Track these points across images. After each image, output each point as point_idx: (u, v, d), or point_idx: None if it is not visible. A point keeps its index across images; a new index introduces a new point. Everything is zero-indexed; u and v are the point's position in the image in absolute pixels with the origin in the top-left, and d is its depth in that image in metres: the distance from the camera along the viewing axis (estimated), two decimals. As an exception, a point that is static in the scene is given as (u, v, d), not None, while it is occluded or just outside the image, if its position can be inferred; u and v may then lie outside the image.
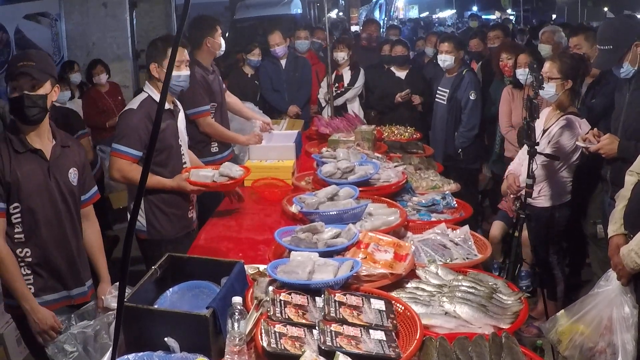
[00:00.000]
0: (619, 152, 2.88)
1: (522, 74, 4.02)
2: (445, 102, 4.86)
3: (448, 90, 4.83)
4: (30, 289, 2.36)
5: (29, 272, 2.38)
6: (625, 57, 2.90)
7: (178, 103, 3.10)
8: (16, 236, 2.34)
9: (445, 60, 4.77)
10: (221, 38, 3.91)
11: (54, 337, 2.30)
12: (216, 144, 3.92)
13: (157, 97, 2.86)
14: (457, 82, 4.77)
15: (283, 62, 5.48)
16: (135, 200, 1.30)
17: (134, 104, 2.91)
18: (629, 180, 2.48)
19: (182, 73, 2.92)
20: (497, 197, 4.52)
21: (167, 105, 2.91)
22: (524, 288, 3.79)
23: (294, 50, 5.89)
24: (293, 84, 5.51)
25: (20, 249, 2.35)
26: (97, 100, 5.89)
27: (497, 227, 3.99)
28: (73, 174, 2.46)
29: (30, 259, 2.37)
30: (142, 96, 2.93)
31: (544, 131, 3.36)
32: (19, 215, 2.32)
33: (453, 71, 4.84)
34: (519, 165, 3.46)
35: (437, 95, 5.00)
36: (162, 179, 2.92)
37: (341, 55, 5.53)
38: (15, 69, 2.26)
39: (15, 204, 2.30)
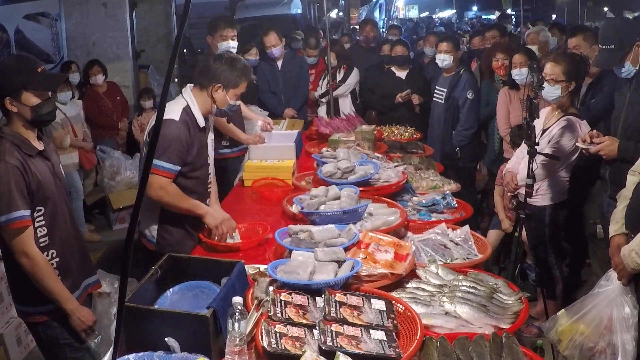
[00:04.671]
0: (619, 153, 2.88)
1: (519, 74, 4.02)
2: (442, 102, 4.90)
3: (445, 90, 4.87)
4: None
5: (57, 273, 2.39)
6: (626, 57, 2.90)
7: (211, 120, 2.95)
8: (41, 240, 2.35)
9: (444, 59, 4.80)
10: (223, 40, 4.05)
11: (94, 330, 2.42)
12: (227, 141, 4.05)
13: (196, 111, 2.71)
14: (455, 81, 4.81)
15: (279, 63, 5.47)
16: (135, 202, 1.30)
17: (175, 112, 2.65)
18: (631, 180, 2.48)
19: (237, 103, 2.86)
20: (492, 197, 4.54)
21: (202, 123, 2.76)
22: (532, 283, 3.79)
23: (290, 50, 5.90)
24: (289, 85, 5.50)
25: (46, 252, 2.36)
26: (96, 100, 5.90)
27: (493, 236, 3.95)
28: (62, 170, 2.56)
29: (57, 259, 2.40)
30: (181, 103, 2.71)
31: (543, 131, 3.36)
32: (42, 218, 2.34)
33: (451, 70, 4.88)
34: (516, 163, 3.46)
35: (434, 95, 5.04)
36: (198, 204, 2.75)
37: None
38: (38, 74, 2.29)
39: (39, 207, 2.32)
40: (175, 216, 2.77)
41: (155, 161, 2.57)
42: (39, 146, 2.37)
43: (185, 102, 2.71)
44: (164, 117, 2.56)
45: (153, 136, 1.33)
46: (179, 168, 2.67)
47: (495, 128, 4.64)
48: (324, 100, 5.65)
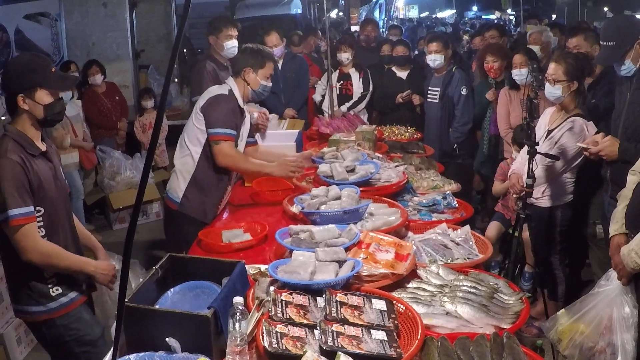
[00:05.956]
0: (620, 155, 2.87)
1: (519, 74, 4.02)
2: (437, 101, 4.94)
3: (439, 89, 4.91)
4: (57, 290, 2.40)
5: (51, 273, 2.38)
6: (627, 55, 2.91)
7: (246, 110, 3.32)
8: None
9: (435, 59, 4.84)
10: (228, 40, 4.19)
11: (117, 278, 2.45)
12: None
13: (237, 94, 3.15)
14: (448, 79, 4.85)
15: (279, 63, 5.46)
16: (136, 202, 1.30)
17: (223, 90, 3.13)
18: (631, 179, 2.48)
19: (268, 84, 3.25)
20: (489, 197, 4.55)
21: (242, 104, 3.19)
22: (524, 289, 3.81)
23: (291, 50, 5.88)
24: (289, 84, 5.48)
25: None
26: (95, 100, 5.89)
27: (493, 228, 3.99)
28: (63, 171, 2.55)
29: None
30: (226, 87, 3.16)
31: (549, 132, 3.36)
32: (41, 219, 2.33)
33: (442, 70, 4.91)
34: (521, 164, 3.45)
35: (428, 96, 5.07)
36: (264, 163, 3.26)
37: (345, 56, 5.47)
38: (53, 73, 2.30)
39: (39, 208, 2.31)
40: (203, 185, 3.13)
41: (216, 130, 3.03)
42: (42, 147, 2.36)
43: (229, 87, 3.16)
44: (216, 93, 3.10)
45: (153, 136, 1.32)
46: (235, 133, 3.10)
47: (486, 130, 4.66)
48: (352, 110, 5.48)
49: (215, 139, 3.04)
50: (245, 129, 3.31)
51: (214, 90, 3.15)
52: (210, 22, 4.36)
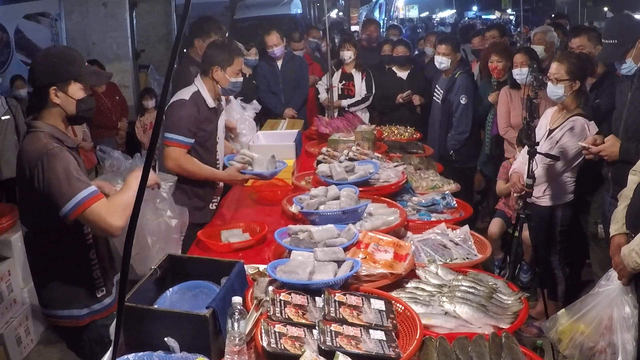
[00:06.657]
0: (621, 155, 2.87)
1: (519, 73, 4.02)
2: (440, 103, 4.90)
3: (442, 92, 4.87)
4: (102, 291, 2.32)
5: (99, 274, 2.30)
6: (628, 53, 2.91)
7: (223, 102, 3.35)
8: (86, 237, 2.25)
9: (442, 62, 4.80)
10: None
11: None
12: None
13: (206, 94, 3.11)
14: (450, 84, 4.80)
15: (279, 62, 5.46)
16: (136, 201, 1.29)
17: (185, 94, 3.08)
18: (632, 179, 2.48)
19: (238, 79, 3.17)
20: (491, 197, 4.53)
21: (212, 104, 3.15)
22: (523, 282, 3.83)
23: (290, 50, 5.88)
24: (289, 84, 5.48)
25: (91, 251, 2.27)
26: (95, 100, 5.88)
27: (495, 224, 4.03)
28: None
29: (96, 259, 2.30)
30: (192, 89, 3.11)
31: (550, 132, 3.35)
32: None
33: (449, 73, 4.86)
34: (522, 164, 3.45)
35: (434, 94, 5.05)
36: (215, 170, 3.22)
37: (348, 55, 5.45)
38: (87, 67, 2.22)
39: None
40: (188, 188, 3.11)
41: (168, 135, 3.00)
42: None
43: (196, 88, 3.12)
44: (177, 98, 3.06)
45: (153, 136, 1.32)
46: (192, 140, 3.05)
47: (488, 130, 4.65)
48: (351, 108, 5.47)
49: (165, 143, 3.02)
50: (221, 123, 3.30)
51: (177, 95, 3.11)
52: (196, 23, 4.12)
